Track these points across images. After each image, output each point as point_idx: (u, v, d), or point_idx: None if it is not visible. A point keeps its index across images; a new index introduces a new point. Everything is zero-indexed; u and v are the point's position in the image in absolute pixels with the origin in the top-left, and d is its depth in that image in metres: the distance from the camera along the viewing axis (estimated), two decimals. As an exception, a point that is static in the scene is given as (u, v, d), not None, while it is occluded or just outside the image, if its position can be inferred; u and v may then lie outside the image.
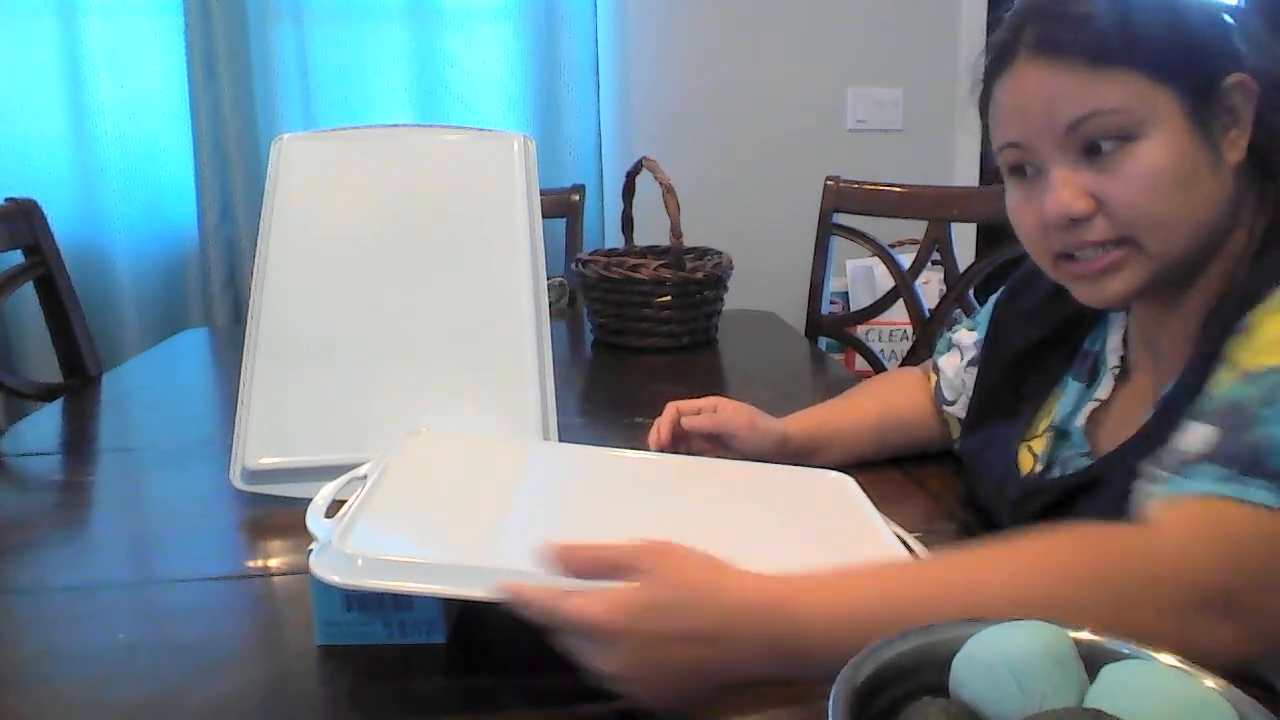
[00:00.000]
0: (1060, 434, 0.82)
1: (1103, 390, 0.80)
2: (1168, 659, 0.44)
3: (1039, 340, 0.87)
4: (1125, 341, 0.81)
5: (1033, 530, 0.60)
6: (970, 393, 0.94)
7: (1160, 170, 0.66)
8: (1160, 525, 0.60)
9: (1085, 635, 0.46)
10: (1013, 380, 0.88)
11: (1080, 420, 0.81)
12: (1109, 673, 0.43)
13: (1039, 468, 0.82)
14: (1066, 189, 0.68)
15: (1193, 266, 0.70)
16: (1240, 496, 0.57)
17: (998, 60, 0.72)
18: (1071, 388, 0.83)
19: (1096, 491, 0.73)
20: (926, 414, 1.01)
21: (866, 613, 0.56)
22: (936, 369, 1.01)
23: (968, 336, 0.97)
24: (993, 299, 0.96)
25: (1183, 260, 0.69)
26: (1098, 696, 0.42)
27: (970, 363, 0.96)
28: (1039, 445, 0.83)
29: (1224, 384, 0.62)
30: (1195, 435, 0.61)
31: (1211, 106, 0.67)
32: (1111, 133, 0.67)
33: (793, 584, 0.58)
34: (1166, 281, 0.70)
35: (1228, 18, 0.70)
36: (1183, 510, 0.59)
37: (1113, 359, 0.81)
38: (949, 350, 1.01)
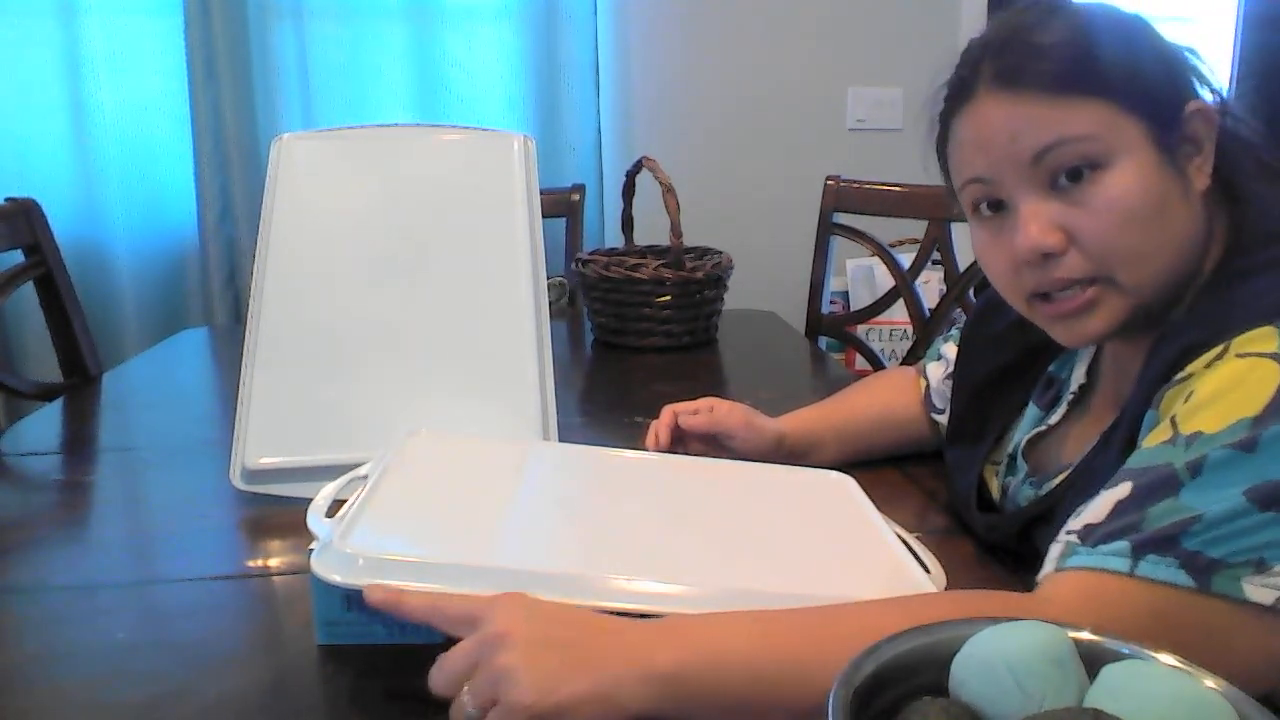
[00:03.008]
0: (1013, 459, 0.83)
1: (1054, 416, 0.80)
2: (1167, 659, 0.44)
3: (1005, 366, 0.86)
4: (1091, 369, 0.80)
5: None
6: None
7: (1131, 199, 0.64)
8: (1050, 597, 0.57)
9: (1085, 635, 0.46)
10: (978, 405, 0.88)
11: (1022, 443, 0.81)
12: (1109, 673, 0.43)
13: (997, 495, 0.83)
14: (1035, 223, 0.66)
15: (1167, 299, 0.68)
16: (1139, 573, 0.54)
17: (956, 98, 0.71)
18: (1031, 413, 0.83)
19: (1049, 522, 0.72)
20: (919, 415, 1.02)
21: (744, 640, 0.54)
22: (925, 374, 1.02)
23: (954, 350, 0.96)
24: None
25: (1158, 293, 0.67)
26: (1097, 696, 0.42)
27: (948, 377, 0.96)
28: (1000, 469, 0.84)
29: (1156, 439, 0.59)
30: (1113, 495, 0.58)
31: (1175, 134, 0.66)
32: (1079, 161, 0.65)
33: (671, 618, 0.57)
34: (1145, 315, 0.68)
35: (1181, 48, 0.69)
36: (1073, 583, 0.56)
37: (1072, 385, 0.80)
38: (937, 359, 1.01)
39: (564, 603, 0.58)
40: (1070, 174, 0.65)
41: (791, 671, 0.52)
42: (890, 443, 1.02)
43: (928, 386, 1.00)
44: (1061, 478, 0.74)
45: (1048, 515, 0.72)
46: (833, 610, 0.57)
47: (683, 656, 0.53)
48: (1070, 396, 0.80)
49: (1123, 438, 0.65)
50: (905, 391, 1.03)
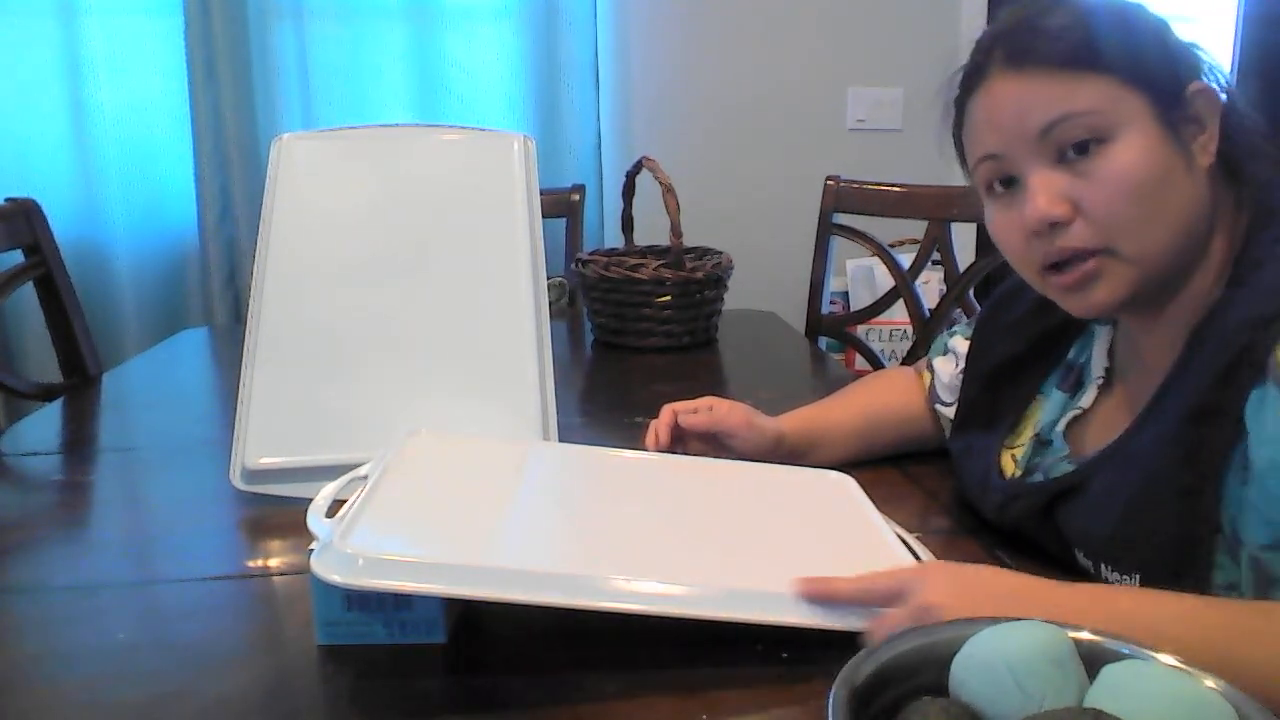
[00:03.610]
0: (1042, 441, 0.83)
1: (1085, 399, 0.81)
2: (1167, 659, 0.44)
3: (1019, 354, 0.88)
4: (1111, 353, 0.81)
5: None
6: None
7: (1135, 170, 0.67)
8: None
9: (1085, 635, 0.46)
10: (992, 392, 0.89)
11: (1061, 427, 0.82)
12: (1109, 673, 0.43)
13: (1019, 472, 0.83)
14: (1044, 195, 0.69)
15: (1175, 275, 0.70)
16: None
17: (969, 82, 0.74)
18: (1055, 397, 0.84)
19: (1076, 495, 0.74)
20: (919, 412, 1.02)
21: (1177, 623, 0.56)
22: (931, 368, 1.02)
23: (963, 344, 0.97)
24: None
25: (1164, 266, 0.69)
26: (1097, 696, 0.42)
27: (960, 371, 0.96)
28: (1020, 452, 0.84)
29: None
30: None
31: (1178, 111, 0.69)
32: (1085, 134, 0.67)
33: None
34: (1151, 290, 0.70)
35: (1186, 42, 0.71)
36: None
37: (1097, 369, 0.81)
38: (944, 353, 1.01)
39: (987, 568, 0.61)
40: (1077, 147, 0.68)
41: (1219, 662, 0.49)
42: (890, 441, 1.02)
43: (933, 381, 1.00)
44: (1095, 452, 0.75)
45: (1078, 488, 0.74)
46: (1273, 610, 0.58)
47: (1114, 630, 0.53)
48: (1099, 380, 0.81)
49: (1180, 415, 0.66)
50: (905, 390, 1.04)
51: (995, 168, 0.73)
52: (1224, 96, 0.70)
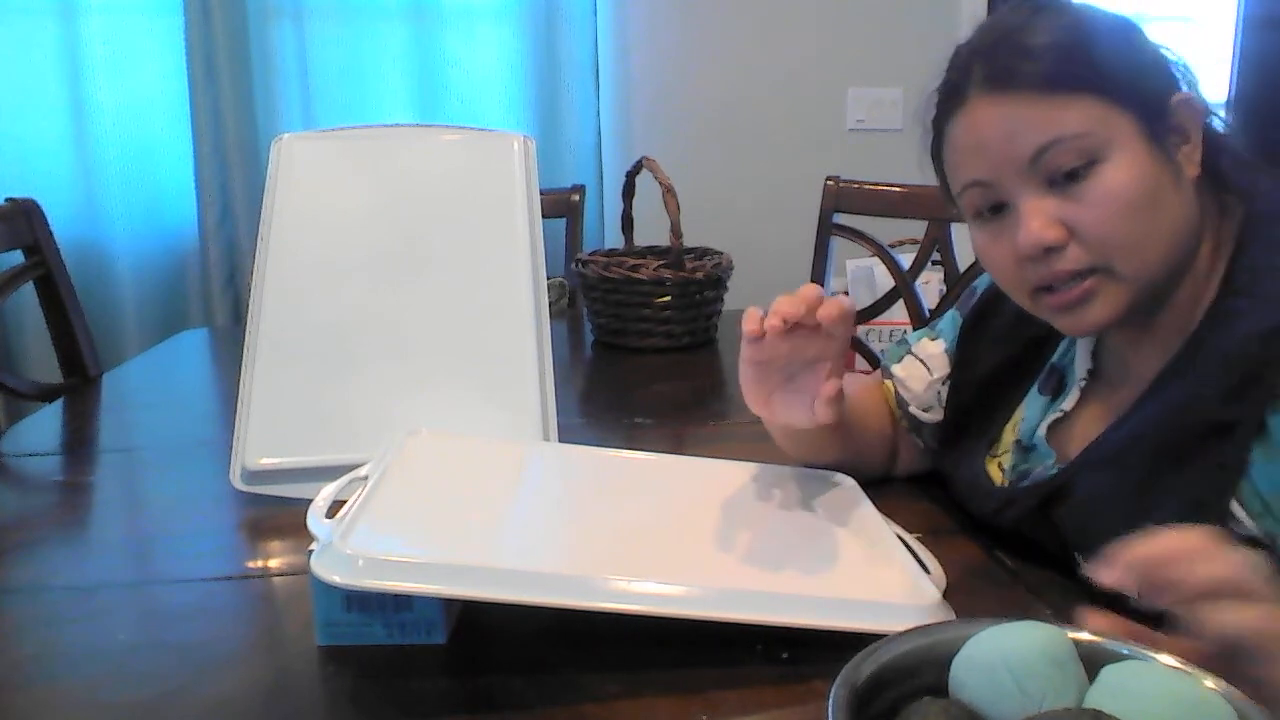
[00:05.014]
0: (1025, 447, 0.82)
1: (1067, 402, 0.80)
2: (1167, 659, 0.44)
3: (1007, 360, 0.87)
4: (1095, 354, 0.80)
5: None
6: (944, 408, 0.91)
7: (1127, 190, 0.66)
8: None
9: (1085, 635, 0.46)
10: (983, 400, 0.88)
11: (1042, 431, 0.81)
12: (1109, 673, 0.43)
13: (1007, 481, 0.82)
14: (1037, 219, 0.67)
15: (1167, 286, 0.70)
16: None
17: (948, 102, 0.72)
18: (1036, 401, 0.83)
19: (1063, 498, 0.74)
20: (888, 426, 0.97)
21: None
22: (890, 375, 0.96)
23: (932, 346, 0.93)
24: (952, 313, 0.94)
25: (1158, 280, 0.69)
26: (1097, 696, 0.42)
27: (944, 380, 0.92)
28: (1006, 460, 0.83)
29: None
30: None
31: (1164, 124, 0.68)
32: (1076, 158, 0.66)
33: None
34: (1144, 304, 0.70)
35: (1160, 46, 0.71)
36: None
37: (1080, 371, 0.81)
38: (901, 360, 0.95)
39: None
40: (1067, 170, 0.67)
41: None
42: (869, 451, 0.95)
43: (897, 389, 0.95)
44: (1077, 457, 0.75)
45: (1064, 491, 0.74)
46: None
47: None
48: (1081, 383, 0.80)
49: (1177, 423, 0.66)
50: (879, 404, 0.98)
51: (983, 194, 0.71)
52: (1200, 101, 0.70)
